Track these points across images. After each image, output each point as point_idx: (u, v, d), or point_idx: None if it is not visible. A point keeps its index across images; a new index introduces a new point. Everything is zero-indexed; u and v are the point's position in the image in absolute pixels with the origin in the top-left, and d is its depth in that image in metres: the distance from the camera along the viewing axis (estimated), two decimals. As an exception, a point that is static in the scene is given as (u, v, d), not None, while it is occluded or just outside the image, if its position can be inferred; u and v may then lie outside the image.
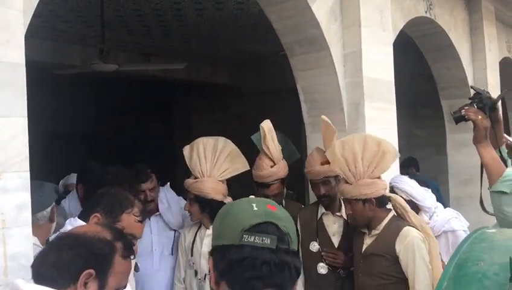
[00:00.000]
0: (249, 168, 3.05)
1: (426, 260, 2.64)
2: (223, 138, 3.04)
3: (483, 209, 2.39)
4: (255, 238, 1.09)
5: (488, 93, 2.29)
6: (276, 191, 3.06)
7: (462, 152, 5.49)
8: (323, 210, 3.07)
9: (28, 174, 1.85)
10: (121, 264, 1.38)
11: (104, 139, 10.86)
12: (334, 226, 3.04)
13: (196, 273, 2.91)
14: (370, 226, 2.77)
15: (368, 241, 2.77)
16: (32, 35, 6.55)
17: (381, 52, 3.75)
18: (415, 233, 2.68)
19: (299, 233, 3.01)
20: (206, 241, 2.88)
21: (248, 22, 6.59)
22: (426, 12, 4.69)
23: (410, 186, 2.94)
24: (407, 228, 2.69)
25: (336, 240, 3.01)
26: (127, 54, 8.01)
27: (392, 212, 2.79)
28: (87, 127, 10.55)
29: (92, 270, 1.30)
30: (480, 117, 2.20)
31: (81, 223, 1.90)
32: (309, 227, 3.05)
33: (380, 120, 3.68)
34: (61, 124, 9.89)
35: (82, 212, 2.02)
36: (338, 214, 3.04)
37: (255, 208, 1.14)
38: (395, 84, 3.92)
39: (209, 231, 2.86)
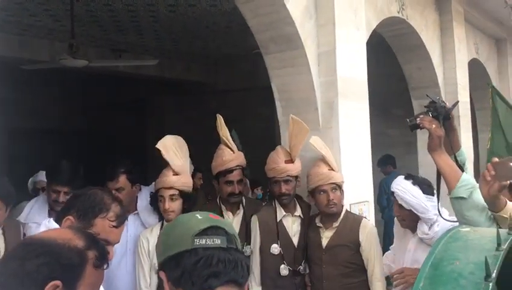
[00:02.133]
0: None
1: (380, 248, 3.06)
2: (177, 136, 3.15)
3: (442, 217, 2.41)
4: (206, 240, 1.15)
5: (443, 102, 2.33)
6: (239, 178, 3.14)
7: (432, 151, 5.57)
8: (283, 212, 3.13)
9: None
10: (93, 275, 1.28)
11: (75, 136, 10.65)
12: (293, 227, 3.15)
13: None
14: (329, 219, 3.05)
15: (327, 234, 3.04)
16: (-3, 29, 6.37)
17: (355, 52, 3.76)
18: (371, 224, 3.14)
19: (257, 236, 3.10)
20: None
21: (222, 19, 6.54)
22: (399, 12, 4.74)
23: (414, 196, 2.69)
24: (365, 220, 3.13)
25: (295, 241, 3.13)
26: (98, 50, 7.85)
27: (344, 208, 3.15)
28: (58, 123, 10.33)
29: (58, 282, 1.20)
30: (434, 126, 2.24)
31: (55, 225, 1.81)
32: (269, 229, 3.09)
33: (354, 119, 3.69)
34: (31, 121, 9.64)
35: (58, 214, 1.93)
36: (296, 214, 3.17)
37: (200, 217, 1.21)
38: (368, 84, 3.94)
39: None
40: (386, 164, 7.16)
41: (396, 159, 7.37)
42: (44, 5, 5.84)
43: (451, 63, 5.56)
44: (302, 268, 3.10)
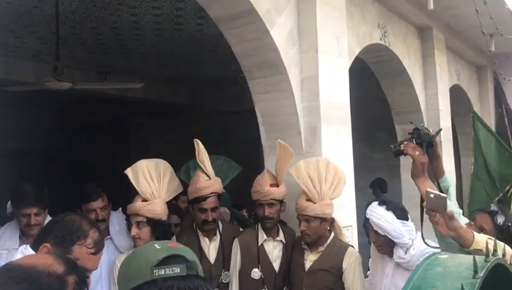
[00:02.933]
0: (182, 190, 3.17)
1: (363, 277, 3.06)
2: (161, 159, 3.08)
3: (424, 242, 2.44)
4: (165, 271, 1.14)
5: (427, 129, 2.37)
6: (213, 205, 3.08)
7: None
8: (265, 236, 3.13)
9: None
10: None
11: (58, 157, 10.55)
12: (275, 252, 3.14)
13: None
14: (315, 243, 3.02)
15: (311, 257, 3.02)
16: (-18, 51, 6.35)
17: (337, 77, 3.82)
18: (357, 253, 3.11)
19: (238, 259, 3.08)
20: None
21: (208, 43, 6.60)
22: (381, 39, 4.83)
23: (388, 222, 2.73)
24: (351, 248, 3.10)
25: (276, 266, 3.11)
26: (83, 72, 7.86)
27: (333, 233, 3.11)
28: (42, 145, 10.23)
29: None
30: (417, 153, 2.27)
31: (31, 252, 1.78)
32: (250, 254, 3.08)
33: (336, 143, 3.72)
34: (15, 142, 9.53)
35: (35, 240, 1.89)
36: (278, 239, 3.16)
37: (158, 247, 1.21)
38: (352, 108, 3.99)
39: None
40: (374, 187, 7.20)
41: (380, 182, 7.42)
42: (31, 27, 5.86)
43: (433, 89, 5.66)
44: None
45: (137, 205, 2.86)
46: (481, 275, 1.56)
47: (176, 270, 1.14)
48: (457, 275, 1.63)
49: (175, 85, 9.41)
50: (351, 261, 2.99)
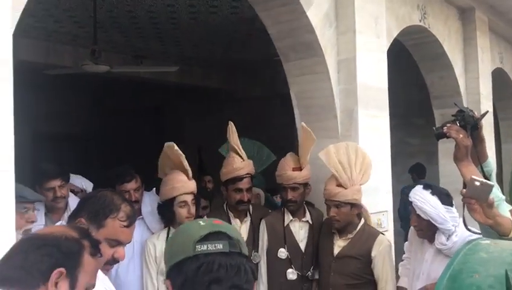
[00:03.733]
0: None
1: (394, 265, 3.04)
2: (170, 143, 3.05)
3: (467, 228, 2.37)
4: (207, 246, 1.14)
5: (472, 111, 2.28)
6: (248, 186, 3.14)
7: (453, 161, 5.48)
8: (290, 217, 3.15)
9: (13, 174, 1.79)
10: (90, 263, 1.36)
11: (95, 140, 10.78)
12: (301, 232, 3.16)
13: None
14: (345, 229, 3.01)
15: (340, 243, 3.02)
16: (25, 35, 6.50)
17: (375, 59, 3.74)
18: (387, 241, 3.07)
19: (265, 239, 3.12)
20: None
21: (242, 26, 6.56)
22: (420, 21, 4.69)
23: (432, 206, 2.65)
24: (381, 236, 3.05)
25: (302, 246, 3.14)
26: (120, 56, 7.95)
27: (363, 219, 3.08)
28: (79, 128, 10.46)
29: (62, 269, 1.27)
30: (461, 136, 2.18)
31: None
32: (276, 234, 3.11)
33: (373, 127, 3.66)
34: (52, 125, 9.78)
35: (69, 217, 1.96)
36: (304, 219, 3.17)
37: (202, 223, 1.21)
38: (389, 93, 3.91)
39: None
40: (412, 172, 7.07)
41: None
42: (69, 12, 5.95)
43: (474, 73, 5.47)
44: (310, 274, 3.09)
45: (191, 184, 2.91)
46: (526, 261, 1.51)
47: (218, 246, 1.14)
48: (501, 261, 1.58)
49: (209, 69, 9.43)
50: (380, 250, 2.95)
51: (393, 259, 3.08)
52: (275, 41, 3.63)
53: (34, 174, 3.26)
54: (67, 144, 10.22)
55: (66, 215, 3.02)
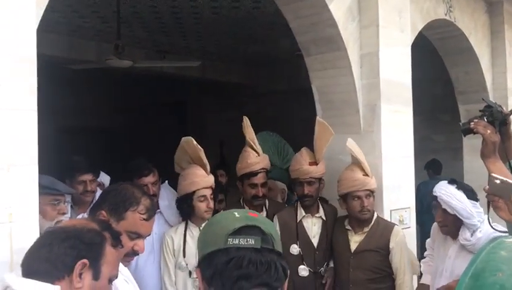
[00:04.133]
0: None
1: (410, 256, 3.05)
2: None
3: (491, 226, 2.31)
4: (239, 240, 1.11)
5: (500, 106, 2.22)
6: (263, 181, 3.17)
7: (479, 158, 5.38)
8: (303, 213, 3.15)
9: (36, 168, 1.82)
10: (112, 254, 1.39)
11: (118, 134, 10.91)
12: (314, 228, 3.15)
13: (190, 273, 2.90)
14: (360, 223, 3.03)
15: (356, 239, 3.04)
16: (49, 30, 6.60)
17: (399, 54, 3.68)
18: (402, 232, 3.12)
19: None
20: None
21: (264, 20, 6.54)
22: (446, 14, 4.60)
23: (459, 201, 2.63)
24: (396, 227, 3.11)
25: (315, 242, 3.13)
26: (143, 51, 8.01)
27: (376, 213, 3.11)
28: (103, 122, 10.59)
29: (86, 260, 1.31)
30: (489, 132, 2.12)
31: None
32: (289, 230, 3.10)
33: (396, 123, 3.61)
34: (77, 119, 9.94)
35: (91, 209, 2.00)
36: (317, 215, 3.17)
37: (237, 215, 1.18)
38: (413, 88, 3.84)
39: None
40: (428, 169, 6.98)
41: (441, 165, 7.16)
42: (93, 7, 6.02)
43: (502, 67, 5.34)
44: (323, 270, 3.09)
45: (210, 178, 2.99)
46: (553, 260, 1.47)
47: (250, 241, 1.11)
48: (527, 260, 1.54)
49: (231, 64, 9.44)
50: (397, 240, 2.99)
51: (409, 250, 3.09)
52: (296, 35, 3.60)
53: (64, 167, 3.31)
54: (90, 137, 10.37)
55: None
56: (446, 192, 2.67)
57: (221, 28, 6.94)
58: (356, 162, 3.09)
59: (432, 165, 7.03)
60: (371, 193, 3.01)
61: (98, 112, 10.52)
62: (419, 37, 4.31)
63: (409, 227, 3.67)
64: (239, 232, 1.12)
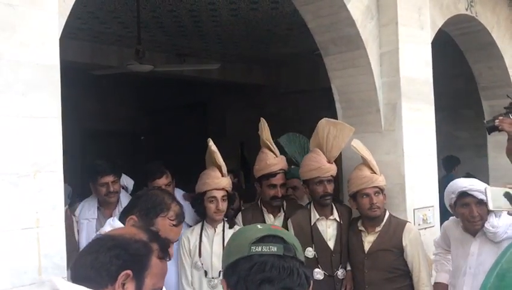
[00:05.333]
0: None
1: (425, 253, 3.02)
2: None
3: None
4: (262, 248, 1.16)
5: None
6: (282, 181, 3.18)
7: (504, 154, 5.28)
8: (317, 215, 3.12)
9: (61, 174, 1.87)
10: (157, 266, 1.39)
11: (141, 138, 11.06)
12: (329, 231, 3.12)
13: (206, 273, 2.95)
14: (372, 223, 3.01)
15: (369, 239, 3.01)
16: (71, 37, 6.73)
17: (419, 52, 3.64)
18: (415, 228, 3.08)
19: None
20: (216, 239, 2.98)
21: (283, 21, 6.55)
22: (467, 9, 4.53)
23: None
24: (409, 224, 3.06)
25: (331, 244, 3.10)
26: (163, 55, 8.10)
27: (387, 212, 3.08)
28: (126, 126, 10.75)
29: (129, 271, 1.32)
30: None
31: (119, 223, 1.92)
32: (303, 233, 3.07)
33: (418, 121, 3.57)
34: (102, 123, 10.10)
35: (121, 213, 2.03)
36: (331, 217, 3.13)
37: (260, 227, 1.24)
38: (435, 85, 3.80)
39: (218, 230, 3.02)
40: (444, 166, 6.84)
41: (465, 162, 7.05)
42: (114, 13, 6.11)
43: (526, 62, 5.24)
44: (339, 273, 3.05)
45: (223, 180, 3.02)
46: None
47: (273, 248, 1.16)
48: (552, 260, 1.52)
49: (251, 65, 9.46)
50: (410, 238, 2.96)
51: (423, 246, 3.04)
52: (315, 35, 3.60)
53: (87, 170, 3.41)
54: (114, 141, 10.53)
55: (118, 210, 3.17)
56: (476, 183, 2.67)
57: (240, 29, 6.97)
58: (363, 161, 3.09)
59: (444, 162, 6.88)
60: (380, 190, 2.99)
61: (122, 115, 10.68)
62: (441, 32, 4.26)
63: (432, 226, 3.62)
64: (262, 240, 1.17)
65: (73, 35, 6.77)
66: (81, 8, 5.68)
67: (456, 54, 5.55)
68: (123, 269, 1.31)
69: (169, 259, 1.47)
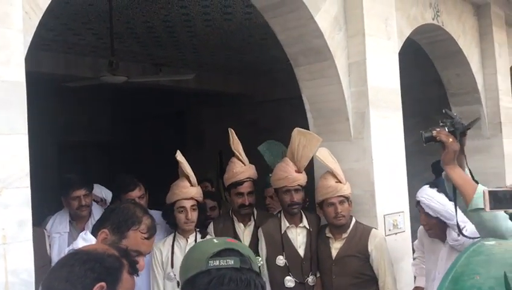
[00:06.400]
0: None
1: (390, 258, 3.06)
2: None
3: (462, 234, 2.39)
4: (219, 262, 1.19)
5: (461, 118, 2.36)
6: (250, 190, 3.22)
7: (474, 159, 5.42)
8: (287, 223, 3.17)
9: (28, 190, 1.88)
10: (128, 280, 1.44)
11: (118, 148, 10.98)
12: (299, 238, 3.16)
13: (178, 284, 2.96)
14: (338, 230, 3.06)
15: (337, 245, 3.06)
16: (45, 49, 6.69)
17: (386, 61, 3.74)
18: (381, 234, 3.15)
19: (263, 247, 3.14)
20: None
21: (257, 31, 6.62)
22: (433, 19, 4.66)
23: (440, 203, 2.72)
24: (374, 230, 3.12)
25: (301, 252, 3.14)
26: (139, 65, 8.10)
27: (354, 218, 3.12)
28: (102, 136, 10.68)
29: (103, 284, 1.35)
30: (451, 140, 2.23)
31: (91, 237, 1.94)
32: (274, 241, 3.13)
33: (386, 129, 3.66)
34: (77, 135, 10.02)
35: (94, 227, 2.05)
36: (301, 225, 3.19)
37: (216, 241, 1.28)
38: (408, 91, 3.90)
39: (191, 240, 3.04)
40: (433, 170, 6.97)
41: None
42: (88, 24, 6.10)
43: (491, 69, 5.40)
44: (310, 280, 3.10)
45: (192, 189, 3.04)
46: (528, 262, 1.51)
47: (230, 262, 1.19)
48: (503, 262, 1.59)
49: (227, 74, 9.51)
50: (376, 243, 3.04)
51: (388, 252, 3.11)
52: (284, 47, 3.67)
53: (60, 184, 3.42)
54: (91, 152, 10.45)
55: (90, 223, 3.17)
56: (427, 195, 2.76)
57: (215, 39, 7.02)
58: (329, 170, 3.15)
59: (433, 167, 7.00)
60: (345, 198, 3.05)
61: (99, 125, 10.62)
62: (412, 41, 4.37)
63: (403, 231, 3.70)
64: (219, 254, 1.21)
65: (47, 47, 6.73)
66: (53, 20, 5.67)
67: (428, 62, 5.69)
68: (98, 281, 1.35)
69: (137, 275, 1.51)
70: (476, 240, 1.99)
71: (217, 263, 1.19)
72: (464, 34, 5.15)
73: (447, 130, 2.29)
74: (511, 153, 5.46)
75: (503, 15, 5.71)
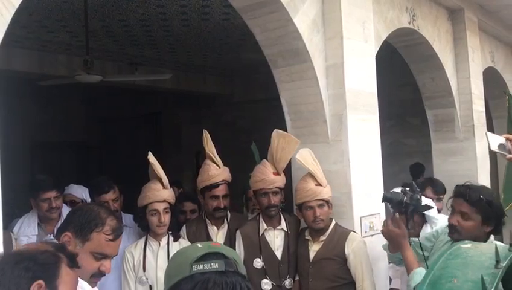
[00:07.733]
0: None
1: (369, 262, 3.03)
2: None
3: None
4: (203, 266, 1.16)
5: (420, 196, 2.66)
6: (225, 192, 3.18)
7: (448, 161, 5.53)
8: (265, 226, 3.15)
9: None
10: (68, 274, 1.39)
11: (93, 148, 10.81)
12: (276, 241, 3.15)
13: (151, 288, 2.92)
14: (317, 233, 3.05)
15: (315, 247, 3.04)
16: (18, 46, 6.53)
17: (363, 64, 3.77)
18: (359, 237, 3.12)
19: (241, 250, 3.12)
20: (161, 253, 2.97)
21: (235, 32, 6.60)
22: (409, 23, 4.72)
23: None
24: (352, 233, 3.10)
25: (279, 254, 3.12)
26: (115, 64, 7.99)
27: (334, 221, 3.10)
28: (77, 137, 10.49)
29: (41, 281, 1.31)
30: (397, 231, 2.58)
31: (55, 241, 1.88)
32: (252, 243, 3.11)
33: (363, 131, 3.68)
34: (51, 134, 9.82)
35: (57, 230, 1.99)
36: (279, 227, 3.17)
37: (200, 246, 1.24)
38: (383, 94, 3.92)
39: (163, 243, 3.00)
40: (411, 172, 7.10)
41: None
42: (62, 22, 5.99)
43: (465, 73, 5.49)
44: (287, 283, 3.08)
45: (164, 192, 2.98)
46: (503, 264, 1.53)
47: (214, 265, 1.16)
48: (479, 265, 1.60)
49: (205, 74, 9.46)
50: (354, 247, 2.99)
51: (367, 256, 3.09)
52: (263, 48, 3.66)
53: (30, 185, 3.33)
54: (67, 152, 10.27)
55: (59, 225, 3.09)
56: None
57: (193, 39, 6.97)
58: (309, 173, 3.13)
59: (411, 169, 7.13)
60: (324, 202, 3.02)
61: (73, 125, 10.44)
62: (388, 44, 4.41)
63: (379, 233, 3.73)
64: (203, 258, 1.17)
65: (19, 45, 6.57)
66: (26, 17, 5.54)
67: (402, 64, 5.76)
68: (34, 279, 1.30)
69: (78, 267, 1.46)
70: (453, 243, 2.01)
71: (201, 267, 1.15)
72: (438, 39, 5.23)
73: (405, 199, 2.50)
74: (483, 155, 5.57)
75: (477, 20, 5.83)
